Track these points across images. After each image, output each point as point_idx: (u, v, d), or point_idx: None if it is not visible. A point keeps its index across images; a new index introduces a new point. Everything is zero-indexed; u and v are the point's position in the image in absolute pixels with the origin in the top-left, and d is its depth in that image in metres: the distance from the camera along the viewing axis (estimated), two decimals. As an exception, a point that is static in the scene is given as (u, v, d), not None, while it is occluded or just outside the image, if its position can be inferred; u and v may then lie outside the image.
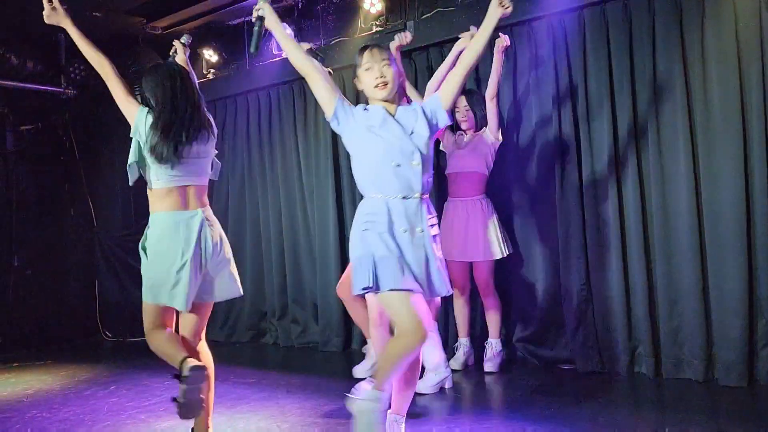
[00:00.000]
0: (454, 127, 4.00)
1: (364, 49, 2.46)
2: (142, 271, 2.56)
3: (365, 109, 2.45)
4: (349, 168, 4.71)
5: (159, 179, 2.52)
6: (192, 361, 2.36)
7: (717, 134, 3.35)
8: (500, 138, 3.82)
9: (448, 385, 3.50)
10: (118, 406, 3.54)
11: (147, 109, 2.57)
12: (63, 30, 2.81)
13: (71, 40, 2.80)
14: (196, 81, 2.87)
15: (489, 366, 3.83)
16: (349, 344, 4.85)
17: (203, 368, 2.37)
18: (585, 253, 3.77)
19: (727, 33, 3.33)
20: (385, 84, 2.38)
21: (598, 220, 3.74)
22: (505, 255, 3.78)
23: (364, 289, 2.28)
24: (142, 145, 2.54)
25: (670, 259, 3.51)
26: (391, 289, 2.24)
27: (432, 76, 4.36)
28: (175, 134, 2.50)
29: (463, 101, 3.86)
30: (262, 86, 5.29)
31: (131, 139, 2.58)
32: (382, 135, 2.35)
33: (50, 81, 5.50)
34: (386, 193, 2.33)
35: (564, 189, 3.85)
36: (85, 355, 5.12)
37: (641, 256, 3.59)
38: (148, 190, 2.60)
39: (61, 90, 5.54)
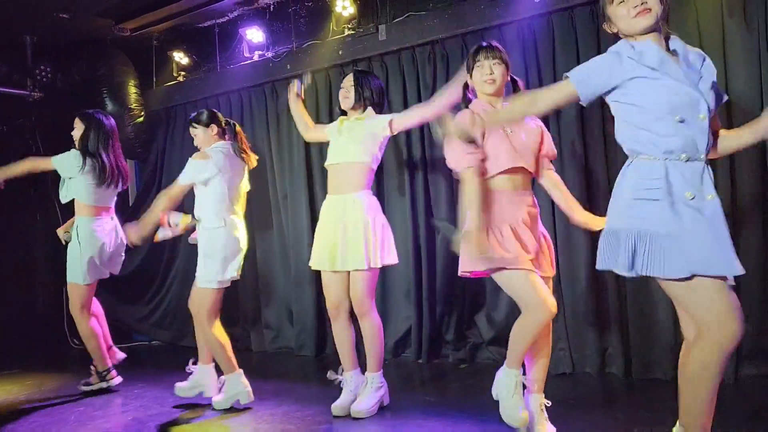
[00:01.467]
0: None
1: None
2: None
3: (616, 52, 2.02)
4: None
5: None
6: None
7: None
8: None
9: (386, 401, 3.26)
10: (85, 415, 3.46)
11: None
12: (30, 31, 2.75)
13: (38, 41, 2.76)
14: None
15: (359, 408, 3.11)
16: (323, 349, 4.83)
17: None
18: (556, 255, 3.79)
19: (690, 38, 3.38)
20: (646, 10, 1.96)
21: (568, 222, 3.76)
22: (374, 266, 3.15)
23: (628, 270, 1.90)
24: None
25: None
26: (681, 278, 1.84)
27: (404, 80, 4.40)
28: None
29: (350, 79, 3.28)
30: (234, 89, 5.25)
31: None
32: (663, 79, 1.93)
33: (16, 83, 5.38)
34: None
35: (535, 191, 3.86)
36: (52, 363, 5.01)
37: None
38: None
39: (28, 93, 5.42)
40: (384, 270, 3.35)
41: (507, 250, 2.48)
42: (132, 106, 5.52)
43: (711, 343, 1.85)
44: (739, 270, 1.83)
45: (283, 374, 4.30)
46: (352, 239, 3.08)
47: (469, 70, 2.68)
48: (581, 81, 2.03)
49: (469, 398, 3.40)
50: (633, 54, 1.96)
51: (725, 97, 2.11)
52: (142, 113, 5.62)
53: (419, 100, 4.35)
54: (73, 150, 3.95)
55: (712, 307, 1.83)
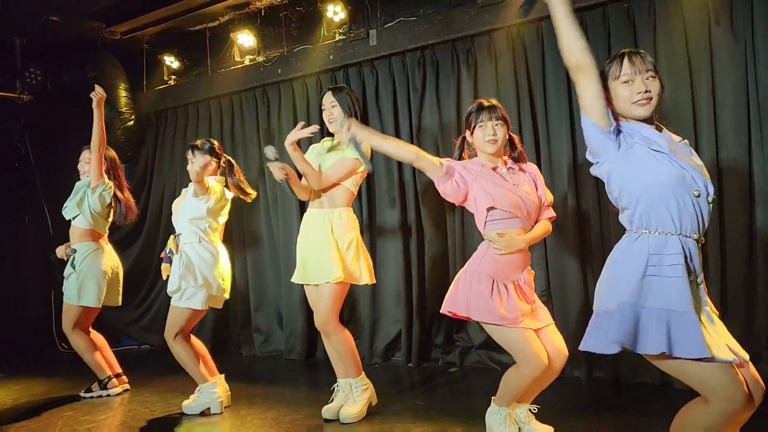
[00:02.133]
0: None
1: (621, 56, 2.00)
2: None
3: (620, 131, 1.97)
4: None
5: None
6: None
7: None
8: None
9: (374, 401, 3.25)
10: (73, 420, 3.44)
11: None
12: (20, 34, 2.75)
13: (28, 43, 2.77)
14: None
15: (347, 414, 3.10)
16: (313, 353, 4.82)
17: None
18: (545, 261, 3.83)
19: (678, 46, 3.44)
20: (649, 100, 1.95)
21: (557, 227, 3.79)
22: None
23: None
24: None
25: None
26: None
27: (394, 85, 4.42)
28: None
29: (329, 97, 3.25)
30: (225, 93, 5.25)
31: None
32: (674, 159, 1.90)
33: (5, 86, 5.35)
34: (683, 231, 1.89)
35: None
36: (39, 367, 4.97)
37: (599, 263, 3.65)
38: None
39: (17, 95, 5.40)
40: (374, 274, 3.34)
41: (508, 309, 2.52)
42: (122, 110, 5.50)
43: (715, 410, 1.82)
44: (733, 359, 1.80)
45: (272, 378, 4.29)
46: (318, 253, 3.09)
47: (470, 128, 2.67)
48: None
49: (459, 402, 3.41)
50: (639, 139, 1.93)
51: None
52: (133, 117, 5.60)
53: (409, 106, 4.38)
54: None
55: (719, 383, 1.79)
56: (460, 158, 2.75)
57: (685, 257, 1.84)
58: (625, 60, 1.95)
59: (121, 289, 4.07)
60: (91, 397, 3.89)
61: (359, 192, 4.40)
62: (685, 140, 2.05)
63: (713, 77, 3.36)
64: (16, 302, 5.69)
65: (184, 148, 5.52)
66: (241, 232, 5.19)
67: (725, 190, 3.36)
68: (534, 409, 2.68)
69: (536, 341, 2.55)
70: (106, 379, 3.94)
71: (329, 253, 3.06)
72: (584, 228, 3.74)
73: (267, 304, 5.08)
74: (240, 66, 5.12)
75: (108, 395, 3.92)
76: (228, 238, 5.24)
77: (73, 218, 3.98)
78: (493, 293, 2.53)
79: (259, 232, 5.10)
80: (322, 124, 4.81)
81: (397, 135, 4.40)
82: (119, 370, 4.04)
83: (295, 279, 3.26)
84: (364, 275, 3.15)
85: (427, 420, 3.10)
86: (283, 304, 4.90)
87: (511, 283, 2.58)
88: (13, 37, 5.32)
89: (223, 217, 3.57)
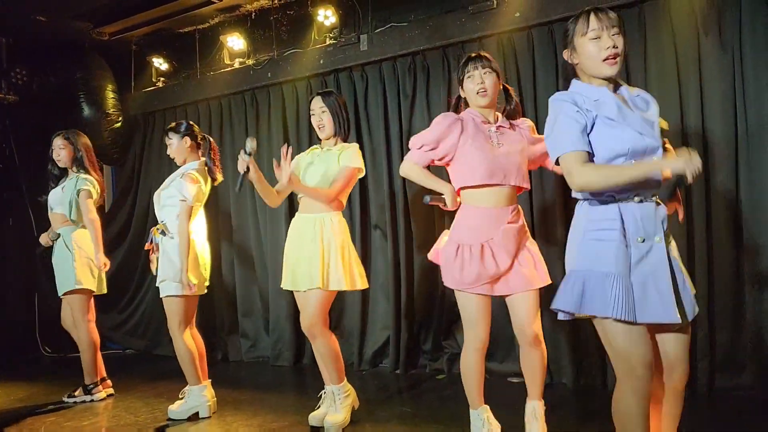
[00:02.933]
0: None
1: (587, 12, 1.94)
2: None
3: (574, 101, 1.92)
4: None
5: None
6: None
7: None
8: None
9: (356, 405, 3.23)
10: (56, 425, 3.39)
11: None
12: (5, 33, 2.73)
13: (14, 43, 2.75)
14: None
15: (331, 422, 3.06)
16: (300, 359, 4.79)
17: None
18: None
19: (667, 56, 3.46)
20: (616, 57, 1.90)
21: (547, 233, 3.80)
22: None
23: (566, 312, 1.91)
24: None
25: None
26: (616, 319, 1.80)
27: (384, 90, 4.42)
28: None
29: (318, 102, 3.19)
30: (214, 95, 5.22)
31: None
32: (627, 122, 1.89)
33: (-10, 86, 5.29)
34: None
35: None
36: (22, 371, 4.90)
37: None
38: None
39: (2, 95, 5.32)
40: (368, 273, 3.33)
41: (465, 273, 2.50)
42: (109, 111, 5.45)
43: (626, 389, 1.84)
44: (675, 318, 1.80)
45: (259, 384, 4.26)
46: (306, 259, 3.07)
47: (460, 83, 2.63)
48: (577, 146, 1.87)
49: (446, 409, 3.40)
50: (591, 105, 1.90)
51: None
52: (120, 118, 5.55)
53: (399, 111, 4.38)
54: (89, 176, 3.96)
55: (630, 351, 1.81)
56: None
57: (622, 221, 1.85)
58: (592, 16, 1.91)
59: (104, 276, 4.02)
60: (75, 402, 3.83)
61: (349, 198, 4.40)
62: (642, 92, 2.02)
63: (702, 87, 3.39)
64: (5, 304, 5.61)
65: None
66: (229, 238, 5.15)
67: (713, 201, 3.38)
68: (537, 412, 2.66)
69: (482, 310, 2.54)
70: (92, 385, 3.89)
71: (318, 259, 3.04)
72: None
73: (254, 309, 5.05)
74: (229, 69, 5.09)
75: (92, 400, 3.87)
76: (215, 243, 5.23)
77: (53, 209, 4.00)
78: (457, 257, 2.53)
79: (246, 238, 5.06)
80: (310, 128, 4.82)
81: (387, 140, 4.40)
82: (104, 374, 4.00)
83: (284, 285, 3.22)
84: (356, 281, 3.11)
85: (413, 427, 3.09)
86: (271, 310, 4.87)
87: (478, 244, 2.52)
88: (-2, 37, 5.27)
89: (199, 204, 3.56)
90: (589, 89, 1.94)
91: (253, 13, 4.94)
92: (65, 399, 3.87)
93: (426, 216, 4.25)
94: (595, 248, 1.87)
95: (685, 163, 1.73)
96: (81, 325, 3.90)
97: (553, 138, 1.91)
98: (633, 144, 1.85)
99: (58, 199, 3.97)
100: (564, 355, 3.74)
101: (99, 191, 3.99)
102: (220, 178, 3.68)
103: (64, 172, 4.05)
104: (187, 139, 3.56)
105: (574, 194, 2.00)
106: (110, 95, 5.47)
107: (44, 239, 4.07)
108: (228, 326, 5.16)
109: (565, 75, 2.06)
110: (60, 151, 3.99)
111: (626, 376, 1.82)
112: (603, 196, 1.89)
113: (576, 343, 3.71)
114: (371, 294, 4.46)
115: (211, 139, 3.70)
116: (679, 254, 1.99)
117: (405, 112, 4.34)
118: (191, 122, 3.65)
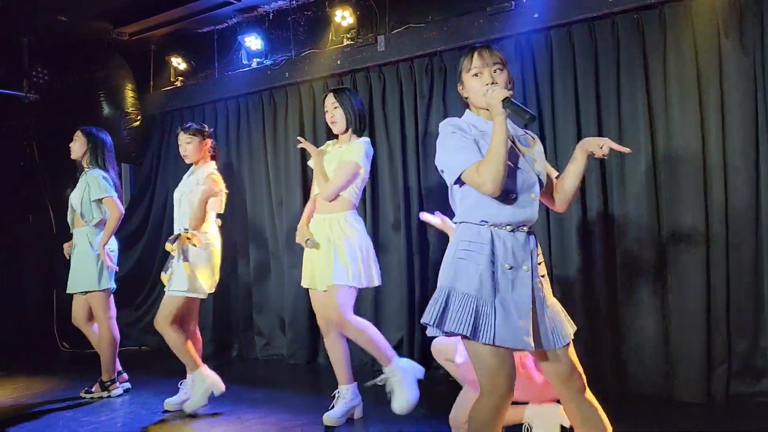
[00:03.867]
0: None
1: (472, 51, 2.08)
2: None
3: (454, 131, 2.02)
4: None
5: None
6: None
7: (678, 158, 3.44)
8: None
9: (357, 415, 3.27)
10: (73, 421, 3.44)
11: None
12: (27, 33, 2.77)
13: (36, 43, 2.80)
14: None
15: (327, 415, 3.16)
16: (315, 357, 4.81)
17: None
18: (550, 270, 3.81)
19: (687, 58, 3.43)
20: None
21: (562, 236, 3.79)
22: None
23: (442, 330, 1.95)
24: None
25: (631, 276, 3.58)
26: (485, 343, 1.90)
27: (401, 91, 4.42)
28: None
29: (330, 98, 3.23)
30: (232, 95, 5.25)
31: None
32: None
33: (12, 85, 5.36)
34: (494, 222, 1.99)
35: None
36: (40, 366, 4.96)
37: (604, 274, 3.65)
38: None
39: (23, 94, 5.40)
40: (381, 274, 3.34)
41: None
42: (128, 110, 5.51)
43: (487, 403, 1.94)
44: (529, 347, 1.92)
45: (274, 382, 4.28)
46: (322, 258, 3.12)
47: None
48: (471, 159, 1.95)
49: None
50: (477, 135, 2.01)
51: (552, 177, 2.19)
52: (139, 117, 5.61)
53: (416, 112, 4.38)
54: (98, 170, 3.99)
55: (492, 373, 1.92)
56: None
57: (493, 246, 1.95)
58: (475, 54, 2.05)
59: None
60: (92, 398, 3.88)
61: (364, 197, 4.41)
62: (528, 131, 2.19)
63: (722, 90, 3.35)
64: (19, 301, 5.69)
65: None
66: (244, 236, 5.18)
67: (730, 205, 3.35)
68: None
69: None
70: (109, 382, 3.93)
71: (333, 258, 3.07)
72: (588, 240, 3.73)
73: (269, 307, 5.07)
74: (247, 69, 5.12)
75: (109, 396, 3.91)
76: (231, 241, 5.27)
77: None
78: None
79: (262, 236, 5.09)
80: (328, 128, 4.83)
81: (403, 141, 4.41)
82: (120, 367, 4.04)
83: (304, 283, 3.27)
84: (374, 277, 3.15)
85: (428, 428, 3.09)
86: (286, 308, 4.89)
87: None
88: (20, 37, 5.33)
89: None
90: (477, 120, 2.08)
91: (271, 14, 4.96)
92: (82, 394, 3.91)
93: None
94: (462, 267, 1.96)
95: (491, 95, 1.93)
96: (103, 322, 3.94)
97: (448, 160, 2.01)
98: (510, 179, 1.96)
99: (75, 198, 4.01)
100: (579, 359, 3.71)
101: (111, 188, 3.99)
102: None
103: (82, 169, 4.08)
104: (208, 141, 3.64)
105: (455, 219, 2.09)
106: (130, 94, 5.53)
107: (66, 250, 4.10)
108: (243, 324, 5.19)
109: (462, 106, 2.17)
110: (73, 143, 4.05)
111: (490, 393, 1.92)
112: (479, 221, 1.99)
113: (592, 347, 3.69)
114: (385, 295, 4.46)
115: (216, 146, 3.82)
116: (550, 288, 2.09)
117: (421, 113, 4.34)
118: (205, 125, 3.74)
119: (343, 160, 3.13)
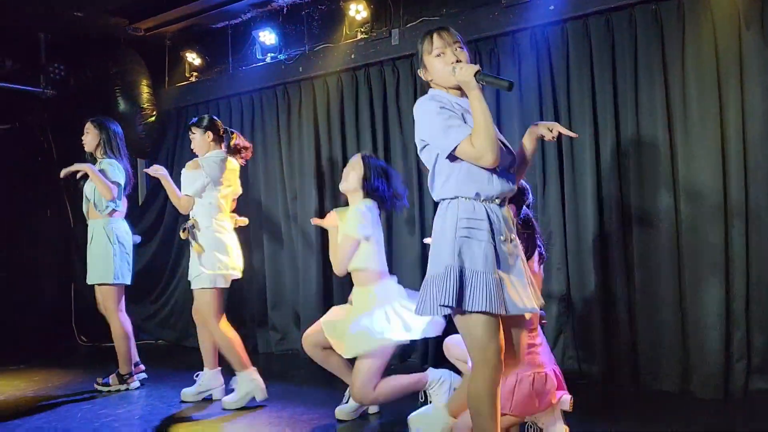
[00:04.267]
0: None
1: (430, 33, 2.14)
2: None
3: (442, 106, 2.06)
4: (333, 173, 4.74)
5: None
6: None
7: (696, 149, 3.40)
8: None
9: (373, 409, 3.27)
10: (91, 413, 3.47)
11: None
12: (44, 29, 2.81)
13: (52, 39, 2.84)
14: None
15: (338, 409, 3.21)
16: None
17: None
18: (566, 265, 3.79)
19: (706, 50, 3.38)
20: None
21: (579, 234, 3.76)
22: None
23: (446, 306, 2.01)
24: None
25: (648, 272, 3.54)
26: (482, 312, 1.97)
27: (415, 85, 4.41)
28: None
29: (358, 161, 3.19)
30: (246, 90, 5.26)
31: None
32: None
33: (29, 80, 5.41)
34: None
35: (546, 201, 3.87)
36: (59, 360, 5.03)
37: (621, 269, 3.61)
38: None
39: (40, 90, 5.45)
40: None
41: None
42: (144, 106, 5.54)
43: (480, 376, 2.03)
44: (533, 309, 2.07)
45: (289, 377, 4.29)
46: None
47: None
48: (464, 132, 2.01)
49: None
50: (459, 110, 2.07)
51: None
52: (154, 113, 5.64)
53: (431, 106, 4.35)
54: (112, 159, 4.04)
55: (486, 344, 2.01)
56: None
57: (490, 221, 2.04)
58: (435, 35, 2.12)
59: None
60: (109, 391, 3.92)
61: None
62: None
63: (742, 83, 3.30)
64: (37, 295, 5.76)
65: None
66: (258, 230, 5.20)
67: (751, 197, 3.30)
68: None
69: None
70: (127, 375, 3.97)
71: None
72: (605, 234, 3.70)
73: (284, 302, 5.09)
74: (261, 64, 5.13)
75: (127, 389, 3.95)
76: (246, 236, 5.29)
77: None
78: None
79: (277, 230, 5.10)
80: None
81: (419, 167, 4.38)
82: (137, 358, 4.09)
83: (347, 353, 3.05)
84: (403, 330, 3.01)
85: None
86: (300, 304, 4.90)
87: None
88: (37, 33, 5.38)
89: (226, 190, 3.63)
90: (448, 96, 2.13)
91: (285, 8, 4.96)
92: (99, 388, 3.94)
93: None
94: (466, 246, 2.02)
95: (460, 72, 2.01)
96: (113, 315, 3.98)
97: (438, 137, 2.04)
98: None
99: (88, 188, 4.05)
100: (595, 354, 3.69)
101: (123, 176, 4.01)
102: (246, 156, 3.83)
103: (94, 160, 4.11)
104: (210, 133, 3.64)
105: (436, 197, 2.15)
106: (145, 90, 5.56)
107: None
108: (258, 319, 5.22)
109: (423, 91, 2.22)
110: (85, 136, 4.09)
111: (482, 365, 2.01)
112: (473, 194, 2.06)
113: (608, 342, 3.67)
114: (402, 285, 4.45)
115: (233, 131, 3.78)
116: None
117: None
118: (213, 117, 3.73)
119: (344, 233, 3.05)
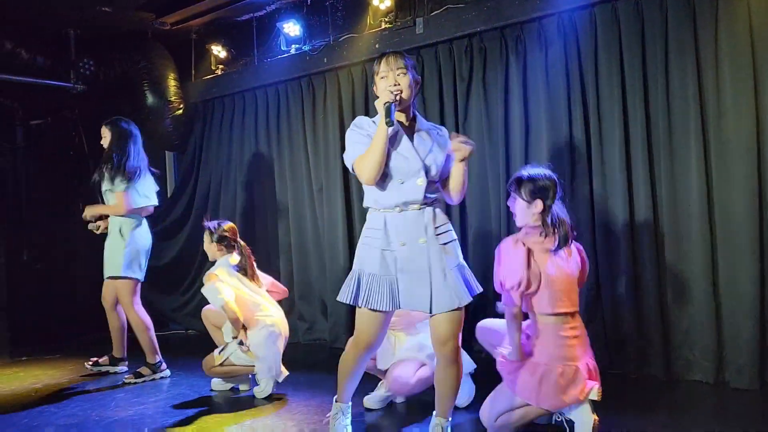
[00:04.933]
0: None
1: (381, 56, 2.45)
2: None
3: (374, 121, 2.46)
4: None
5: None
6: None
7: (730, 134, 3.31)
8: None
9: (399, 399, 3.30)
10: (124, 401, 3.55)
11: None
12: (73, 25, 2.89)
13: (81, 35, 2.94)
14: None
15: (366, 399, 3.23)
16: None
17: None
18: (595, 254, 3.74)
19: (741, 31, 3.28)
20: (399, 92, 2.36)
21: (609, 221, 3.70)
22: None
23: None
24: None
25: (681, 261, 3.48)
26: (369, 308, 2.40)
27: (440, 74, 4.38)
28: None
29: None
30: (271, 82, 5.28)
31: None
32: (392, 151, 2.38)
33: (60, 76, 5.50)
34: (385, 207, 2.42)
35: (574, 188, 3.82)
36: (93, 349, 5.11)
37: (652, 258, 3.55)
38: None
39: (71, 85, 5.54)
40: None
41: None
42: (171, 99, 5.60)
43: (351, 351, 2.55)
44: (425, 308, 2.36)
45: (317, 366, 4.33)
46: None
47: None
48: (356, 159, 2.40)
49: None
50: (372, 129, 2.41)
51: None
52: (181, 106, 5.70)
53: (455, 95, 4.33)
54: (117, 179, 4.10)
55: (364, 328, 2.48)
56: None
57: (386, 229, 2.38)
58: (383, 60, 2.43)
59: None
60: (144, 381, 3.99)
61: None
62: (438, 127, 2.53)
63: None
64: (71, 286, 5.88)
65: (230, 138, 5.62)
66: (285, 222, 5.24)
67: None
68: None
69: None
70: (157, 363, 4.04)
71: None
72: (636, 222, 3.64)
73: (311, 292, 5.12)
74: (286, 55, 5.14)
75: (162, 378, 4.03)
76: (273, 227, 5.33)
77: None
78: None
79: (303, 221, 5.13)
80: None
81: (443, 125, 4.35)
82: (125, 354, 4.26)
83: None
84: None
85: (473, 411, 3.08)
86: (328, 293, 4.93)
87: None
88: (67, 29, 5.46)
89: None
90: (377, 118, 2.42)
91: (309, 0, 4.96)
92: (131, 379, 3.99)
93: (480, 201, 4.20)
94: (365, 252, 2.43)
95: (378, 100, 2.37)
96: (129, 309, 4.06)
97: (346, 153, 2.47)
98: (395, 163, 2.36)
99: (105, 191, 4.14)
100: (627, 344, 3.65)
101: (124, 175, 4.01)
102: (258, 282, 3.84)
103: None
104: (219, 245, 3.77)
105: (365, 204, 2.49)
106: (172, 83, 5.62)
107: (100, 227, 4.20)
108: (285, 309, 5.24)
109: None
110: (103, 139, 4.19)
111: (353, 344, 2.52)
112: (373, 205, 2.44)
113: (640, 332, 3.62)
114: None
115: (243, 245, 3.84)
116: (457, 253, 2.45)
117: (461, 96, 4.29)
118: (226, 231, 3.81)
119: None
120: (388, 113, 2.28)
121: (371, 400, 3.21)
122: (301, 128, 5.13)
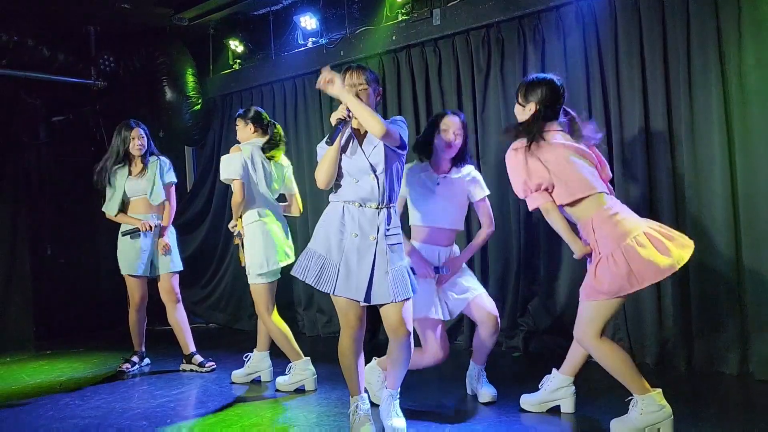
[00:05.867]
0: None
1: (346, 69, 2.65)
2: None
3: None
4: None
5: None
6: None
7: (754, 123, 3.25)
8: None
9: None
10: (148, 394, 3.60)
11: None
12: (93, 22, 2.96)
13: (101, 31, 3.02)
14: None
15: (379, 395, 3.10)
16: (375, 334, 4.85)
17: None
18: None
19: (765, 16, 3.21)
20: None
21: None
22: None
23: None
24: None
25: (704, 250, 3.42)
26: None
27: (457, 65, 4.35)
28: None
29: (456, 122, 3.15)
30: (288, 76, 5.30)
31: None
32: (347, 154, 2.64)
33: (81, 73, 5.56)
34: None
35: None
36: (117, 343, 5.20)
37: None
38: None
39: (92, 81, 5.60)
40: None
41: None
42: (190, 94, 5.64)
43: (344, 333, 2.68)
44: (360, 298, 2.57)
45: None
46: None
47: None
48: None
49: (522, 387, 3.35)
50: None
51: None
52: (200, 101, 5.74)
53: (473, 86, 4.30)
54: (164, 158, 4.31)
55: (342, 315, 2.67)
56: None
57: (343, 218, 2.60)
58: (347, 74, 2.63)
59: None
60: (192, 370, 4.09)
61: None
62: (397, 118, 2.69)
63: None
64: (95, 280, 5.96)
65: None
66: (304, 215, 5.25)
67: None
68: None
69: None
70: (191, 354, 4.14)
71: None
72: (657, 206, 3.59)
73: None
74: (303, 49, 5.15)
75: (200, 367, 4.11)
76: (291, 219, 5.34)
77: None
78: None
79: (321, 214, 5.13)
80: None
81: (461, 116, 4.33)
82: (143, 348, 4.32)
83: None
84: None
85: (488, 404, 3.07)
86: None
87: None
88: (87, 26, 5.52)
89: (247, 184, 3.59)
90: None
91: (326, -8, 4.96)
92: (183, 366, 4.11)
93: (498, 191, 4.18)
94: (320, 233, 2.65)
95: (333, 114, 2.58)
96: (173, 304, 4.29)
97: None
98: (347, 165, 2.61)
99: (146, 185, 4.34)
100: (649, 335, 3.61)
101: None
102: (278, 155, 3.76)
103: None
104: (251, 125, 3.68)
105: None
106: (190, 78, 5.65)
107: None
108: (305, 302, 5.29)
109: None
110: (140, 140, 4.31)
111: (344, 326, 2.65)
112: (336, 198, 2.66)
113: (662, 323, 3.58)
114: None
115: (276, 124, 3.77)
116: (402, 254, 2.65)
117: (479, 87, 4.26)
118: (259, 109, 3.76)
119: None
120: (333, 132, 2.52)
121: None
122: (318, 122, 5.14)
